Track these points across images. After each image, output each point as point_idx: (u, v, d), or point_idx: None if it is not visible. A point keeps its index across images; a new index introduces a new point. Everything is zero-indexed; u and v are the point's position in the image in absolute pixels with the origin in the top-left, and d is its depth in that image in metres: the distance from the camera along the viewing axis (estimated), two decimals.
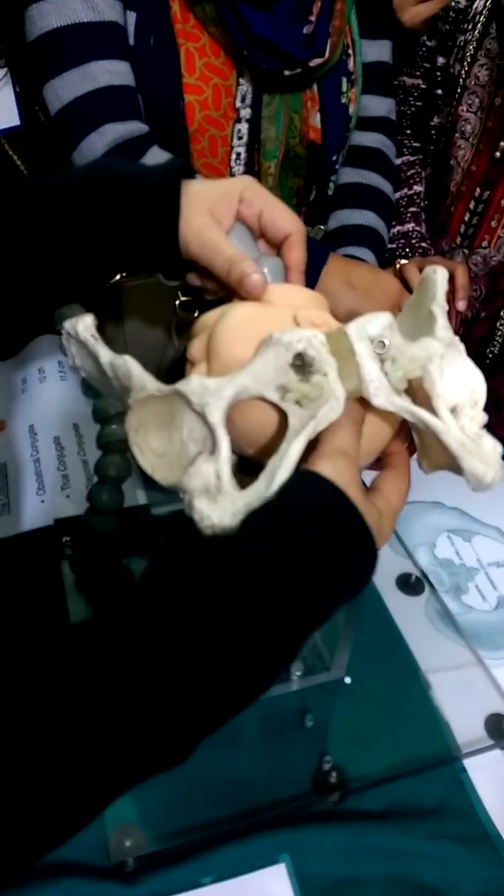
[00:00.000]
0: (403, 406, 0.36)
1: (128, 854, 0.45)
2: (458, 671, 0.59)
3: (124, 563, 0.65)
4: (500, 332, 0.92)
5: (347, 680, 0.58)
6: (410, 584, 0.67)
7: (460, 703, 0.57)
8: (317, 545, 0.32)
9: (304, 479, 0.34)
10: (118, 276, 0.70)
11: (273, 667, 0.32)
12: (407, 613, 0.64)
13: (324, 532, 0.33)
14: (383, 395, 0.35)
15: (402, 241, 0.90)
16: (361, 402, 0.36)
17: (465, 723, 0.55)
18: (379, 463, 0.41)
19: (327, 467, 0.34)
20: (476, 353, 0.95)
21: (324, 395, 0.34)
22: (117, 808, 0.47)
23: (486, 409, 1.07)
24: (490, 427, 0.95)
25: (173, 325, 0.71)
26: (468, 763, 0.53)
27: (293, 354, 0.35)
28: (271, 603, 0.31)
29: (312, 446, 0.36)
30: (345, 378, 0.35)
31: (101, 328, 0.81)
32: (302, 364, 0.35)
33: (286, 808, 0.49)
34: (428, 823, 0.50)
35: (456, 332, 0.89)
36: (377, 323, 0.36)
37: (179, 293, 0.66)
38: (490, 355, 0.93)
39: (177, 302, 0.67)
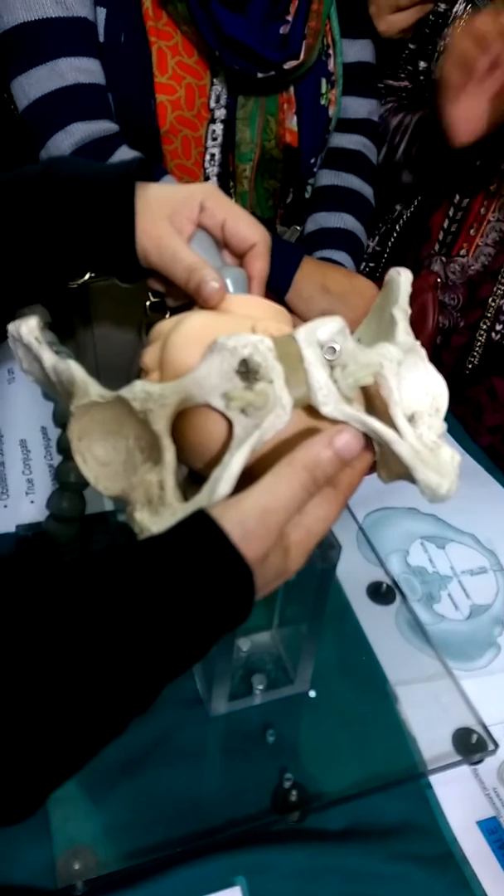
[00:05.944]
0: (353, 415, 0.34)
1: (77, 877, 0.43)
2: (427, 683, 0.58)
3: None
4: (479, 342, 0.91)
5: (312, 693, 0.56)
6: (381, 593, 0.65)
7: (428, 716, 0.55)
8: (182, 599, 0.29)
9: (192, 528, 0.31)
10: (87, 276, 0.69)
11: (122, 714, 0.30)
12: (377, 623, 0.63)
13: (192, 590, 0.30)
14: (332, 404, 0.34)
15: None
16: (312, 411, 0.35)
17: (431, 737, 0.54)
18: None
19: (230, 522, 0.30)
20: (456, 363, 0.94)
21: (269, 403, 0.33)
22: (66, 828, 0.46)
23: (467, 417, 1.05)
24: (472, 435, 0.94)
25: (143, 327, 0.69)
26: (434, 779, 0.52)
27: (238, 360, 0.33)
28: (117, 647, 0.29)
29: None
30: (292, 385, 0.34)
31: (70, 330, 0.79)
32: (247, 371, 0.33)
33: (244, 827, 0.47)
34: (390, 843, 0.48)
35: (434, 340, 0.87)
36: (327, 328, 0.34)
37: (150, 294, 0.65)
38: (469, 365, 0.92)
39: (147, 303, 0.66)
